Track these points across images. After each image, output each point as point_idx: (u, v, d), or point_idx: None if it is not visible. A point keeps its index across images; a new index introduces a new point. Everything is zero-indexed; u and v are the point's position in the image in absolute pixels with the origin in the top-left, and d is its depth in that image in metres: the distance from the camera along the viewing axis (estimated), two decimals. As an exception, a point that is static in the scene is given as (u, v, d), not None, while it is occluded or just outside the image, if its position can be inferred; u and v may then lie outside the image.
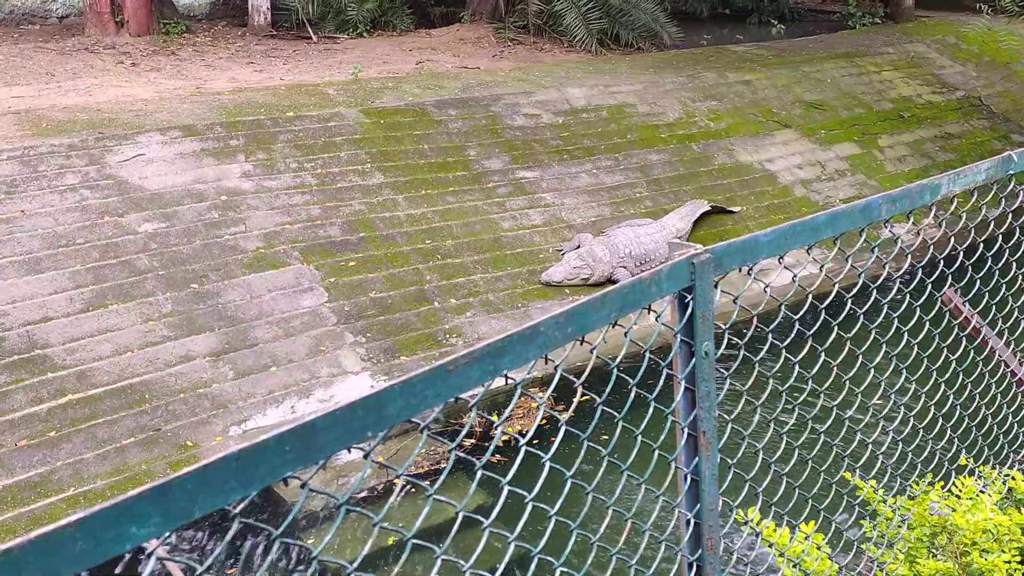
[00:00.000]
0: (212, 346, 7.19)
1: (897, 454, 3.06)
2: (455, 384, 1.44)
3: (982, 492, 3.00)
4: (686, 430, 1.98)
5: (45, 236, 7.66)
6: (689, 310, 1.92)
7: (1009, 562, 2.60)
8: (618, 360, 1.92)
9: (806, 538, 2.70)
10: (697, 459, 1.98)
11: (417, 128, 10.51)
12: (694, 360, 1.94)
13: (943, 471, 3.11)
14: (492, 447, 2.03)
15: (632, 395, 2.02)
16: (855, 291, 2.76)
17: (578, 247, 9.22)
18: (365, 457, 1.38)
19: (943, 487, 2.84)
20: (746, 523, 2.75)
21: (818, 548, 2.63)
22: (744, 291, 2.19)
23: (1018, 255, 3.51)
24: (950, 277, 3.88)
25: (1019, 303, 3.66)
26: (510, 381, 1.75)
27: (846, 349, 2.80)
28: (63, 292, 7.23)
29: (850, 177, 12.26)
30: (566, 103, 11.81)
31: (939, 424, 3.21)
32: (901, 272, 7.04)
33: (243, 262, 8.07)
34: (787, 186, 11.57)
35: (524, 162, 10.46)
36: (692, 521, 2.03)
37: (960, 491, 2.80)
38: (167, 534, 1.08)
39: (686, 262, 1.88)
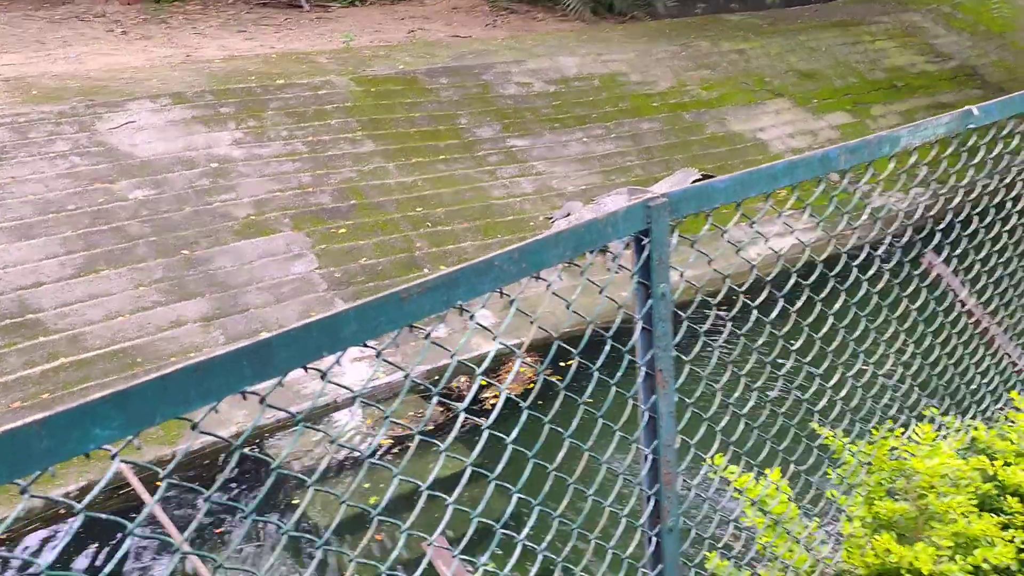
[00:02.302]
0: (203, 311, 7.26)
1: (866, 407, 3.15)
2: (408, 312, 1.51)
3: (943, 439, 3.10)
4: (644, 368, 2.06)
5: (36, 202, 7.70)
6: (646, 253, 1.99)
7: (963, 504, 2.69)
8: (594, 317, 2.01)
9: (769, 483, 2.79)
10: (655, 397, 2.06)
11: (408, 96, 10.52)
12: (651, 301, 2.01)
13: (904, 420, 3.20)
14: (497, 410, 2.13)
15: (607, 348, 2.10)
16: (825, 256, 2.82)
17: (568, 215, 9.28)
18: (323, 377, 1.46)
19: (903, 433, 2.93)
20: (711, 467, 2.83)
21: (778, 490, 2.71)
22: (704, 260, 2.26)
23: (987, 220, 3.58)
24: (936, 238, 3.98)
25: (987, 265, 3.73)
26: (501, 345, 1.83)
27: (816, 311, 2.87)
28: (55, 258, 7.29)
29: (841, 146, 12.27)
30: (558, 72, 11.80)
31: (904, 378, 3.29)
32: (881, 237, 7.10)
33: (233, 229, 8.12)
34: (779, 155, 11.59)
35: (515, 130, 10.48)
36: (650, 457, 2.11)
37: (920, 437, 2.89)
38: (130, 437, 1.16)
39: (642, 206, 1.94)
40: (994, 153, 3.15)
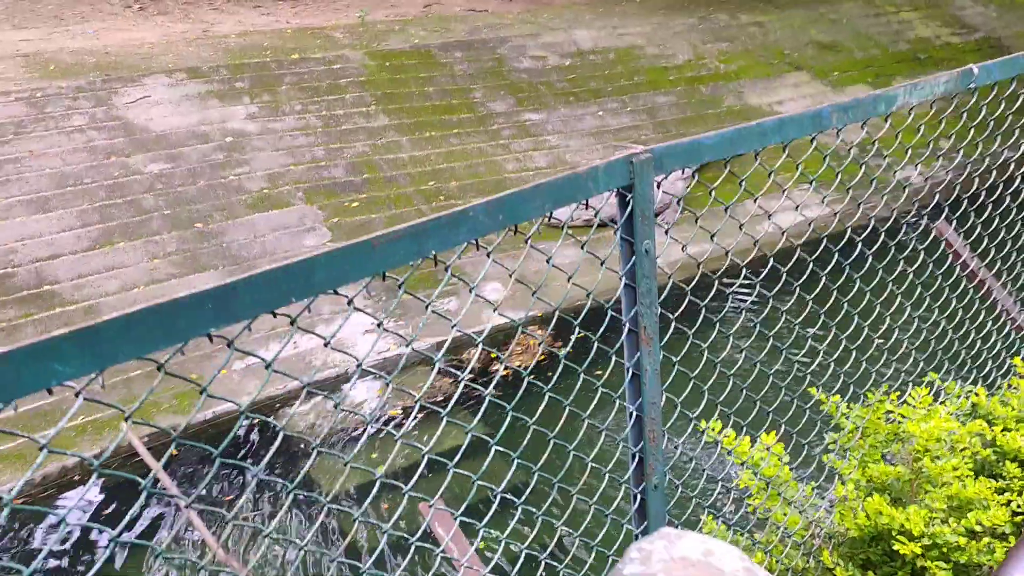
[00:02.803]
0: (216, 283, 7.30)
1: (860, 371, 3.14)
2: (379, 259, 1.52)
3: (942, 403, 3.08)
4: (628, 325, 2.06)
5: (53, 176, 7.78)
6: (629, 208, 1.98)
7: (958, 468, 2.67)
8: (593, 290, 2.03)
9: (766, 448, 2.79)
10: (639, 354, 2.06)
11: (422, 70, 10.50)
12: (634, 258, 2.01)
13: (903, 384, 3.18)
14: (497, 378, 2.14)
15: (608, 318, 2.14)
16: (831, 230, 2.81)
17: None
18: (292, 323, 1.47)
19: (899, 397, 2.91)
20: (709, 430, 2.84)
21: (769, 451, 2.71)
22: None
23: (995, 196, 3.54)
24: (946, 210, 3.95)
25: (989, 228, 3.69)
26: (505, 318, 1.85)
27: (821, 283, 2.86)
28: (71, 230, 7.37)
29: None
30: (573, 45, 11.72)
31: (901, 343, 3.27)
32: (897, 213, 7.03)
33: (247, 202, 8.17)
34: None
35: (529, 104, 10.44)
36: (635, 414, 2.12)
37: (916, 402, 2.87)
38: (94, 375, 1.18)
39: (625, 160, 1.94)
40: (995, 115, 3.11)
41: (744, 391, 2.71)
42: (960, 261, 4.52)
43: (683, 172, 9.64)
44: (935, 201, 3.76)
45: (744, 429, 2.81)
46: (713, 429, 2.84)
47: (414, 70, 10.47)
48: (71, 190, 7.70)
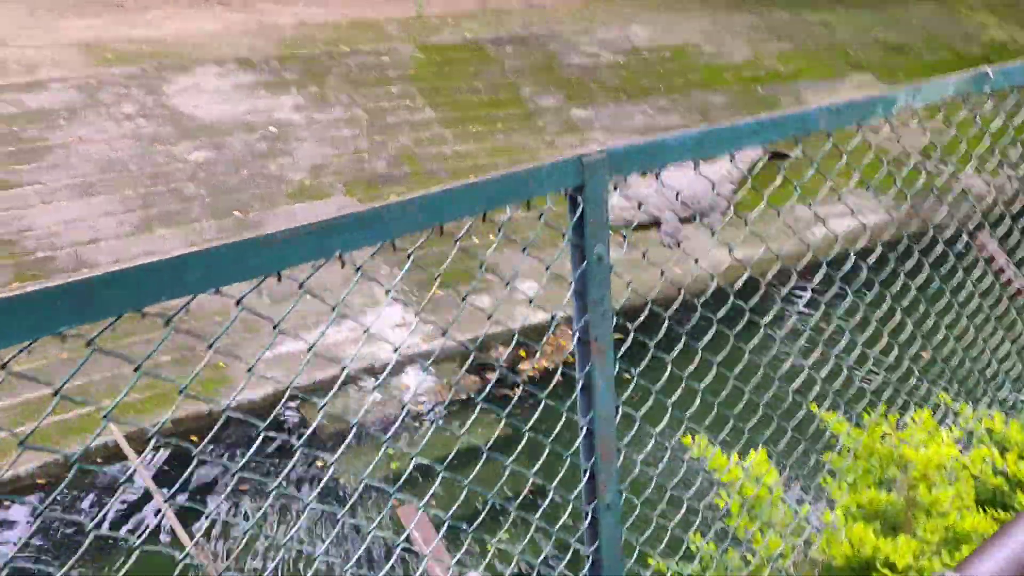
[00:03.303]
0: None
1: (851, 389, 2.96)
2: (273, 258, 1.44)
3: (950, 426, 2.87)
4: (577, 334, 1.95)
5: (99, 161, 7.94)
6: (579, 211, 1.87)
7: (962, 496, 2.49)
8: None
9: (738, 463, 2.64)
10: (589, 365, 1.95)
11: (472, 65, 10.44)
12: (585, 264, 1.90)
13: (900, 405, 2.99)
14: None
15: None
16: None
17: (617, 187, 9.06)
18: (167, 324, 1.40)
19: (898, 419, 2.73)
20: (671, 445, 2.70)
21: (741, 467, 2.56)
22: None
23: None
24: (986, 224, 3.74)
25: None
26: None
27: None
28: (112, 215, 7.51)
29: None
30: (627, 41, 11.53)
31: (918, 360, 3.07)
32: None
33: (287, 192, 8.22)
34: (853, 132, 11.05)
35: (578, 101, 10.30)
36: (585, 427, 2.00)
37: (917, 425, 2.68)
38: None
39: (575, 160, 1.82)
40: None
41: (757, 405, 2.58)
42: (1003, 276, 4.28)
43: (729, 172, 9.39)
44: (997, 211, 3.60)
45: (734, 443, 2.68)
46: (699, 445, 2.70)
47: (464, 64, 10.42)
48: (115, 176, 7.85)
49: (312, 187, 8.36)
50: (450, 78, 10.14)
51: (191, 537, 4.34)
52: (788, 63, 11.97)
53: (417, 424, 6.45)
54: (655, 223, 8.73)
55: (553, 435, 2.18)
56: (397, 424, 6.27)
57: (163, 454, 6.11)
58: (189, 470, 5.77)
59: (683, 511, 2.59)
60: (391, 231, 1.55)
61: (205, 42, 10.27)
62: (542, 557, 2.86)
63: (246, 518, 5.53)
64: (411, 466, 2.36)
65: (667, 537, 2.49)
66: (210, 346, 1.56)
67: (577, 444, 2.04)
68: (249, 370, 1.71)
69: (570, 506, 2.14)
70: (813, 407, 2.88)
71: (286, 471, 5.54)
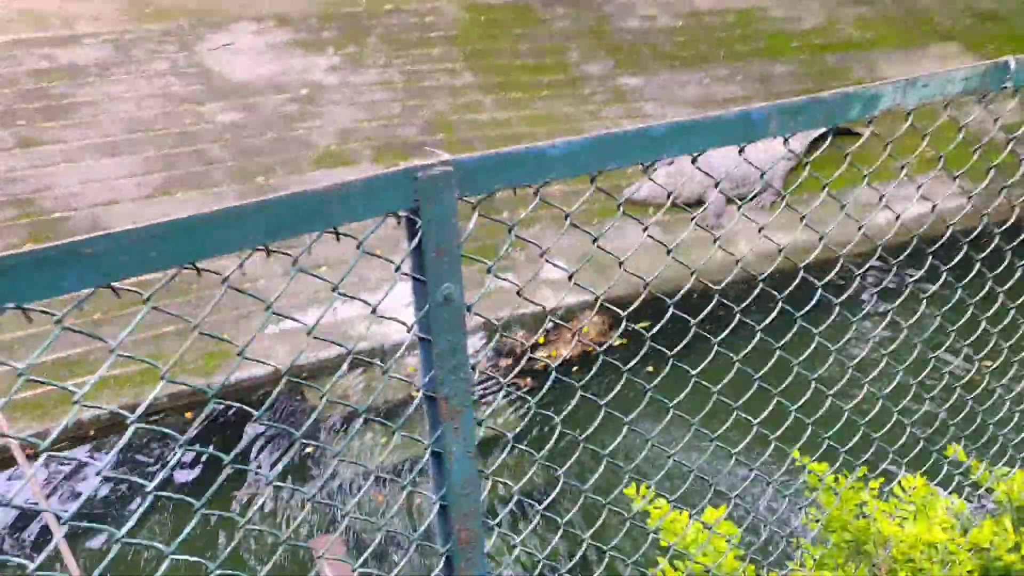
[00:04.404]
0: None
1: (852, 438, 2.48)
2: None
3: (949, 495, 2.38)
4: (423, 391, 1.56)
5: (126, 120, 7.79)
6: (417, 239, 1.47)
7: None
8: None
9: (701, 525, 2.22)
10: (441, 429, 1.56)
11: (518, 26, 9.94)
12: (428, 306, 1.50)
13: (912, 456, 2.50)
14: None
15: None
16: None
17: (671, 163, 8.51)
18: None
19: (882, 484, 2.26)
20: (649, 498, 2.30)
21: (683, 525, 2.14)
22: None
23: None
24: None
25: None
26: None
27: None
28: (133, 177, 7.36)
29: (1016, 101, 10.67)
30: (689, 4, 10.83)
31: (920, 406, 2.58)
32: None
33: (312, 158, 7.94)
34: (932, 109, 10.17)
35: (629, 68, 9.71)
36: (438, 503, 1.62)
37: (906, 494, 2.21)
38: None
39: (404, 175, 1.42)
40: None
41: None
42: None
43: (786, 150, 8.70)
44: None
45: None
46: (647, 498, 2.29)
47: (510, 25, 9.93)
48: (140, 136, 7.69)
49: (339, 153, 8.06)
50: (494, 40, 9.67)
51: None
52: (865, 30, 11.08)
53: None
54: (699, 202, 8.17)
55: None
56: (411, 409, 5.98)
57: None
58: (172, 464, 5.59)
59: None
60: (105, 273, 1.19)
61: (248, -2, 10.01)
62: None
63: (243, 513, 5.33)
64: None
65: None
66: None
67: (431, 522, 1.65)
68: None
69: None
70: (806, 460, 2.43)
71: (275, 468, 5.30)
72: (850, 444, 2.44)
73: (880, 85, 1.85)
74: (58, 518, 4.37)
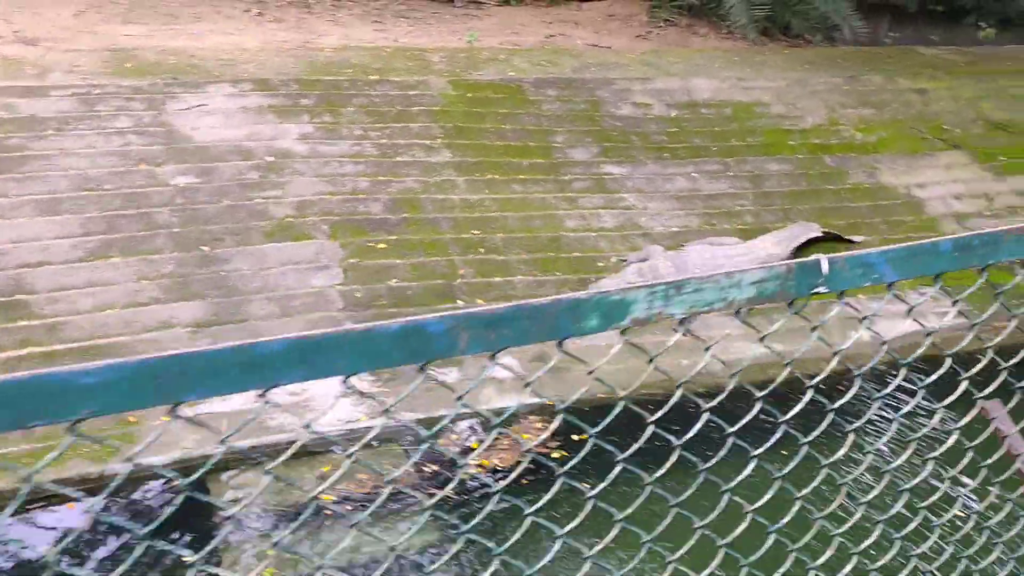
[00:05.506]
0: (197, 316, 6.74)
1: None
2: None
3: None
4: None
5: (75, 177, 7.51)
6: None
7: None
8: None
9: None
10: None
11: (505, 106, 9.65)
12: None
13: None
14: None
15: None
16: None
17: (645, 260, 8.07)
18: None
19: None
20: None
21: None
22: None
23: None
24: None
25: None
26: None
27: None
28: (69, 238, 7.03)
29: (1023, 217, 10.18)
30: (687, 95, 10.51)
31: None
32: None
33: (265, 230, 7.59)
34: (934, 218, 9.73)
35: (614, 156, 9.35)
36: None
37: None
38: None
39: None
40: None
41: None
42: (1011, 451, 3.23)
43: (769, 256, 8.24)
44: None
45: None
46: None
47: (496, 104, 9.64)
48: (86, 195, 7.39)
49: (294, 226, 7.70)
50: (479, 118, 9.37)
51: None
52: (868, 133, 10.69)
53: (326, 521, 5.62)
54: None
55: None
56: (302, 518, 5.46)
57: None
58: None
59: None
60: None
61: (233, 59, 9.84)
62: None
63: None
64: None
65: None
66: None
67: None
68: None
69: None
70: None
71: None
72: None
73: (630, 289, 1.35)
74: None
